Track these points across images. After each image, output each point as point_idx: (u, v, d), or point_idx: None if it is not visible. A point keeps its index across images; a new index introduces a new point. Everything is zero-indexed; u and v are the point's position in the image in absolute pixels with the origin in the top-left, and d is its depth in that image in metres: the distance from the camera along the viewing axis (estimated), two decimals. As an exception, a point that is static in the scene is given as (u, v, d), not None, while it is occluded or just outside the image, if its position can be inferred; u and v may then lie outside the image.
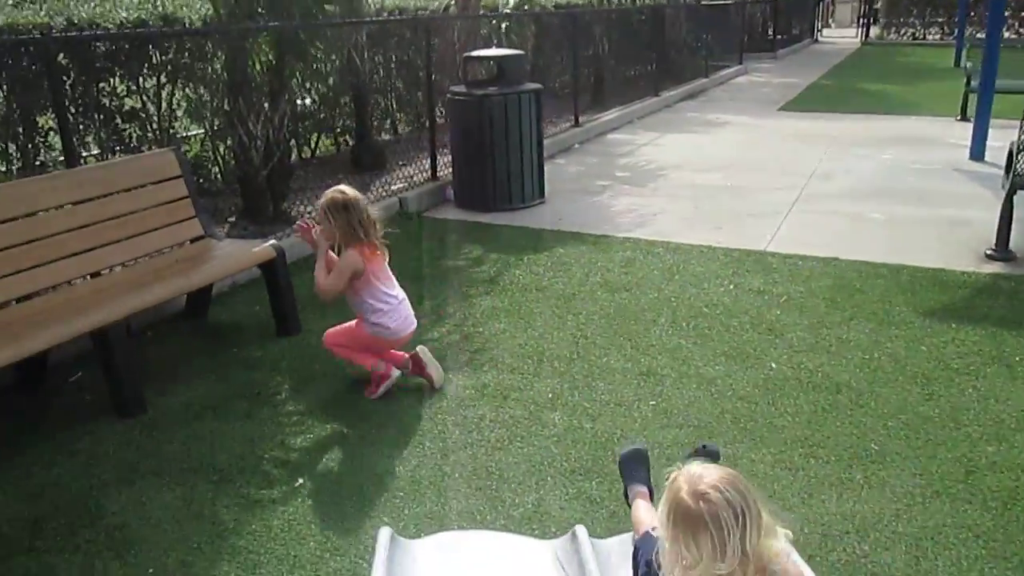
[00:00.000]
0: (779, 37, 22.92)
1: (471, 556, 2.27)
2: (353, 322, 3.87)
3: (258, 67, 6.58)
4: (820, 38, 29.43)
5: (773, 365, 3.99)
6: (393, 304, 3.82)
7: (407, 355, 3.88)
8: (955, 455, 3.22)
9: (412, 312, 3.92)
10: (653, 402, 3.67)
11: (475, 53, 7.28)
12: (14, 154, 5.80)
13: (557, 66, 12.38)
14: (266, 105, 6.37)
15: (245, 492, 3.09)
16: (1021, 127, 5.43)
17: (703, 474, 1.69)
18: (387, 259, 3.89)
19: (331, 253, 3.84)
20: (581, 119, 10.53)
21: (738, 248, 5.74)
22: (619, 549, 2.31)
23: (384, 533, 2.24)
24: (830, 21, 35.29)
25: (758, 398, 3.68)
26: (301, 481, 3.15)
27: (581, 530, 2.28)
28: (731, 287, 5.01)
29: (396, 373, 3.81)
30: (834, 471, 3.12)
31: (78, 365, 4.14)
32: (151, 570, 2.69)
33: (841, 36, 29.64)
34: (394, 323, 3.80)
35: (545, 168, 7.35)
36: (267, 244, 4.47)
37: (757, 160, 8.63)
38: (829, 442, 3.31)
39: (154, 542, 2.82)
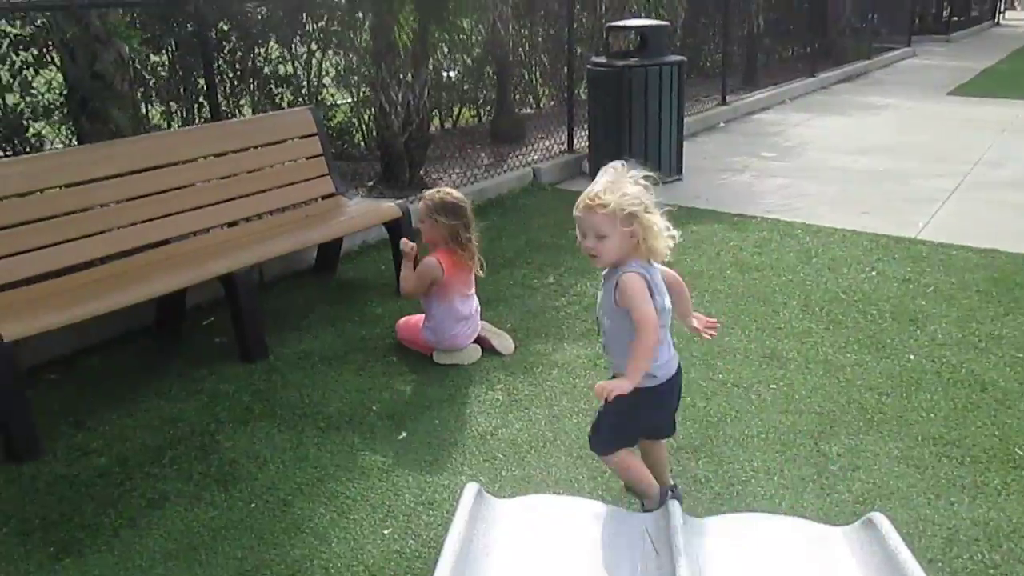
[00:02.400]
0: (954, 19, 21.37)
1: (556, 520, 2.20)
2: (421, 316, 3.84)
3: (403, 35, 6.69)
4: (1002, 21, 27.25)
5: (911, 357, 3.70)
6: (456, 321, 3.72)
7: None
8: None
9: (476, 326, 3.82)
10: (774, 386, 3.48)
11: (618, 23, 7.12)
12: (176, 112, 6.15)
13: (708, 43, 12.01)
14: (409, 73, 6.46)
15: (350, 441, 3.14)
16: None
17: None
18: (476, 269, 3.84)
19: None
20: (729, 98, 10.16)
21: (885, 234, 5.36)
22: (714, 530, 2.18)
23: (470, 488, 2.20)
24: (1015, 3, 32.62)
25: (890, 390, 3.42)
26: (404, 435, 3.17)
27: (675, 505, 2.16)
28: (873, 274, 4.68)
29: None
30: (968, 473, 2.85)
31: (214, 310, 4.34)
32: (253, 504, 2.77)
33: (1027, 20, 27.35)
34: (448, 342, 3.73)
35: (686, 145, 7.14)
36: (392, 204, 4.52)
37: (917, 145, 8.05)
38: (966, 442, 3.03)
39: (259, 479, 2.91)
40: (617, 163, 2.40)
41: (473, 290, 3.86)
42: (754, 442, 3.07)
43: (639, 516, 2.27)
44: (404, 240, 3.90)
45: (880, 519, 2.09)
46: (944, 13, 21.31)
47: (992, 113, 9.89)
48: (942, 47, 18.73)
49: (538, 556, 2.07)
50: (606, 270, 2.47)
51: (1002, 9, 28.28)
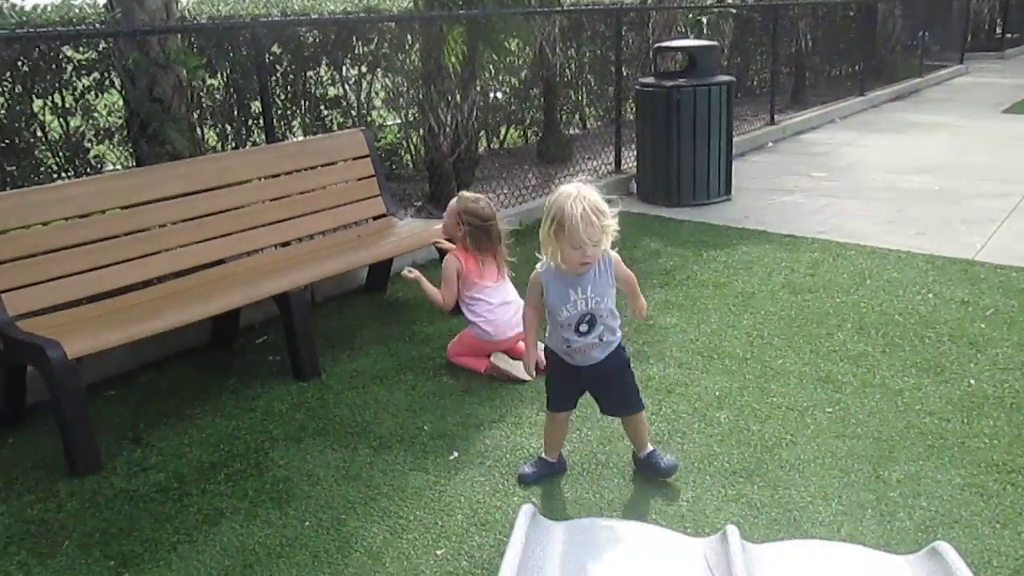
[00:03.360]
0: (1009, 36, 20.99)
1: (612, 544, 2.18)
2: (462, 336, 3.97)
3: (452, 58, 6.76)
4: (1059, 38, 26.63)
5: (972, 381, 3.61)
6: (492, 306, 3.88)
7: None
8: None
9: (518, 316, 3.79)
10: (830, 409, 3.41)
11: (666, 43, 7.11)
12: (231, 134, 6.28)
13: (756, 63, 11.95)
14: (457, 94, 6.53)
15: (402, 460, 3.15)
16: None
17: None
18: (504, 271, 4.04)
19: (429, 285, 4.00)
20: (777, 117, 10.08)
21: (942, 255, 5.26)
22: (774, 557, 2.14)
23: (526, 510, 2.20)
24: (1072, 20, 31.88)
25: (951, 415, 3.34)
26: (456, 455, 3.17)
27: (732, 530, 2.14)
28: (929, 296, 4.59)
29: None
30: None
31: (267, 328, 4.40)
32: (307, 523, 2.79)
33: (1085, 36, 26.68)
34: (491, 326, 3.85)
35: (735, 165, 7.09)
36: (440, 225, 4.55)
37: (972, 164, 7.90)
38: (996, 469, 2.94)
39: (313, 497, 2.93)
40: (576, 183, 2.66)
41: (506, 282, 4.02)
42: (810, 467, 3.01)
43: (697, 541, 2.24)
44: (407, 268, 4.07)
45: (945, 548, 2.04)
46: (997, 30, 20.93)
47: (1049, 131, 9.67)
48: (996, 64, 18.39)
49: (595, 580, 2.05)
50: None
51: (1058, 25, 27.64)
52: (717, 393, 3.58)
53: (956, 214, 6.25)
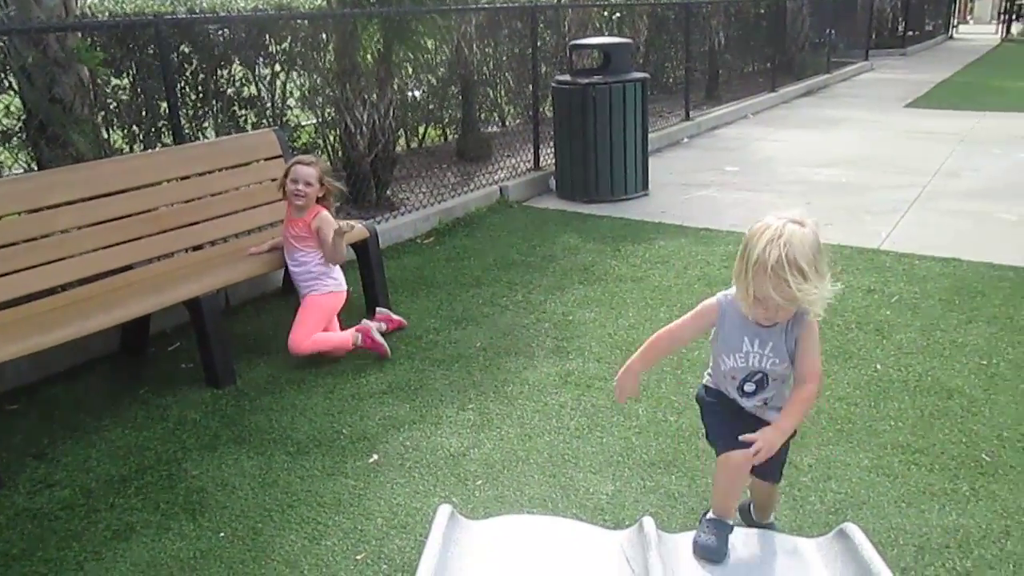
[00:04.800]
0: (910, 33, 21.84)
1: (531, 541, 2.18)
2: (305, 311, 3.97)
3: (367, 56, 6.68)
4: (955, 35, 27.90)
5: (878, 367, 3.74)
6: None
7: (374, 321, 4.12)
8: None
9: None
10: (744, 398, 3.49)
11: (581, 41, 7.18)
12: (139, 136, 6.07)
13: (670, 60, 12.15)
14: (374, 93, 6.46)
15: (320, 465, 3.10)
16: None
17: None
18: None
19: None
20: (692, 113, 10.28)
21: (849, 245, 5.43)
22: (689, 545, 2.18)
23: (443, 511, 2.18)
24: (967, 17, 33.42)
25: (859, 399, 3.45)
26: (376, 457, 3.14)
27: (648, 521, 2.16)
28: (838, 285, 4.68)
29: (372, 323, 4.01)
30: (937, 481, 2.88)
31: (179, 335, 4.28)
32: (222, 534, 2.72)
33: (979, 33, 28.03)
34: (339, 282, 4.11)
35: (652, 161, 7.20)
36: (360, 224, 4.50)
37: (877, 157, 8.19)
38: (934, 450, 3.06)
39: (228, 507, 2.86)
40: (793, 216, 2.04)
41: None
42: (726, 455, 3.07)
43: (614, 534, 2.26)
44: (346, 224, 4.08)
45: (853, 530, 2.10)
46: (900, 28, 21.75)
47: (949, 124, 10.09)
48: (899, 61, 19.12)
49: (514, 577, 2.05)
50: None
51: (955, 23, 28.93)
52: (635, 386, 3.62)
53: (862, 205, 6.47)
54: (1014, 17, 27.05)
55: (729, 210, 6.46)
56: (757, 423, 2.26)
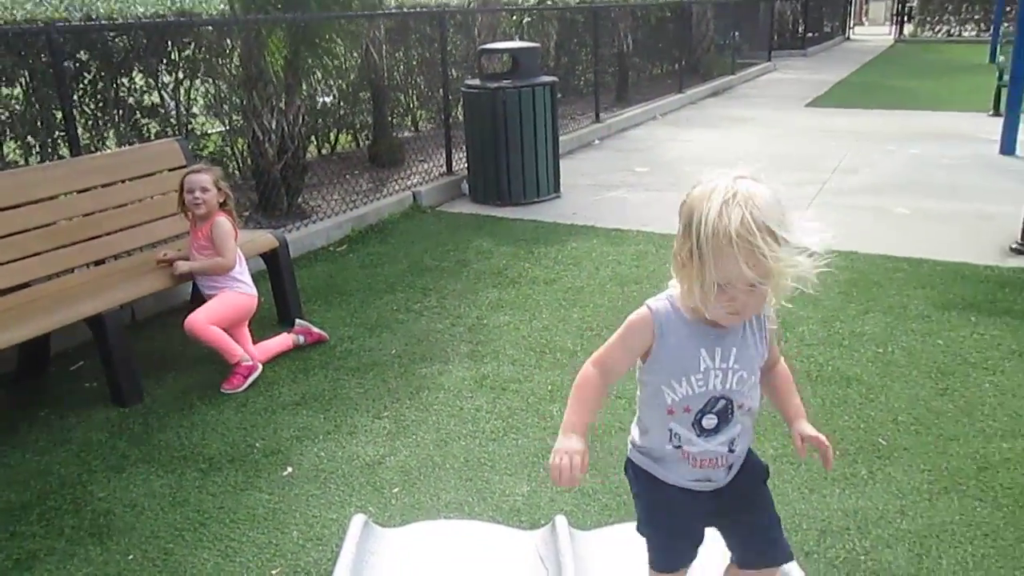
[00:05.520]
0: (810, 35, 22.65)
1: (446, 545, 2.20)
2: (215, 300, 3.92)
3: (274, 62, 6.59)
4: (852, 36, 29.03)
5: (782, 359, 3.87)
6: (244, 265, 4.04)
7: (293, 335, 4.12)
8: (968, 451, 3.09)
9: None
10: (655, 395, 3.57)
11: (490, 46, 7.23)
12: (35, 148, 5.85)
13: (580, 63, 12.30)
14: (282, 100, 6.37)
15: (233, 481, 3.05)
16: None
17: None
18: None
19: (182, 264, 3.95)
20: (603, 116, 10.44)
21: (754, 242, 5.60)
22: (599, 541, 2.23)
23: (357, 520, 2.18)
24: (863, 19, 34.80)
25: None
26: (290, 470, 3.10)
27: (561, 520, 2.20)
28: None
29: (260, 369, 3.85)
30: (838, 466, 3.00)
31: (82, 353, 4.14)
32: (131, 556, 2.65)
33: (874, 34, 29.21)
34: (249, 286, 4.02)
35: (563, 164, 7.29)
36: (269, 234, 4.44)
37: (780, 155, 8.47)
38: (835, 436, 3.19)
39: (138, 529, 2.78)
40: (737, 175, 1.62)
41: None
42: (638, 451, 3.14)
43: (529, 534, 2.29)
44: (170, 259, 4.00)
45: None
46: (800, 29, 22.51)
47: (846, 123, 10.51)
48: (799, 61, 19.78)
49: (428, 584, 2.06)
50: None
51: (852, 25, 30.08)
52: (550, 387, 3.67)
53: (766, 202, 6.67)
54: (906, 19, 28.30)
55: (639, 210, 6.59)
56: (717, 515, 1.81)
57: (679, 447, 1.75)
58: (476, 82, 6.85)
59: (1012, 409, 3.36)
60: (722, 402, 1.71)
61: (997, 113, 9.99)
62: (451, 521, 2.57)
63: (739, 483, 1.82)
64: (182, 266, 3.91)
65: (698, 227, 1.54)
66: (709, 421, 1.72)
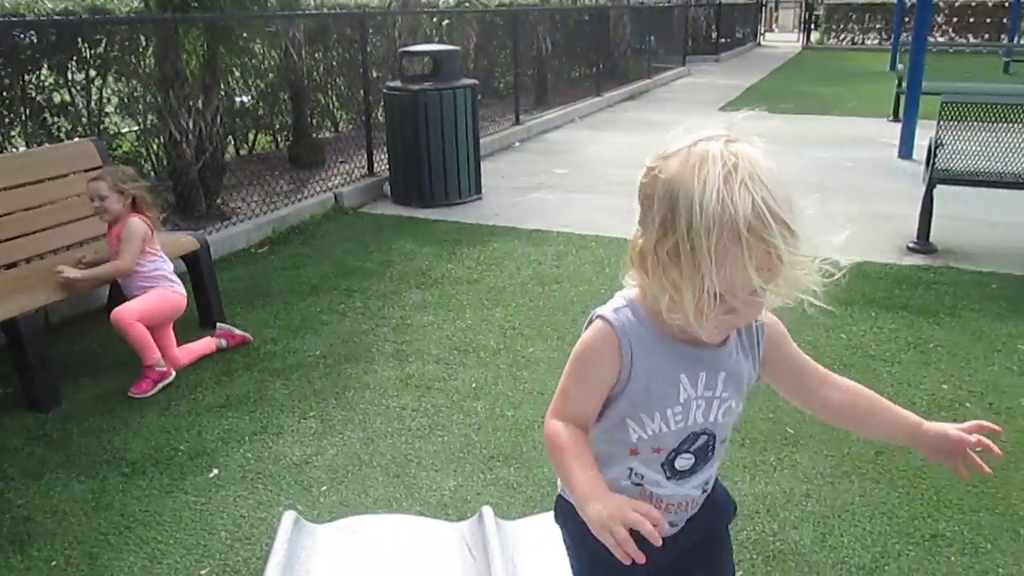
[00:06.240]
0: (722, 40, 23.29)
1: (375, 539, 2.26)
2: (146, 294, 3.87)
3: (191, 61, 6.49)
4: (763, 42, 29.94)
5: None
6: (170, 265, 3.99)
7: (215, 339, 4.09)
8: (867, 437, 3.29)
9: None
10: (576, 390, 3.69)
11: (411, 48, 7.27)
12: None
13: (500, 66, 12.42)
14: (199, 99, 6.28)
15: (158, 484, 3.03)
16: (937, 126, 5.58)
17: None
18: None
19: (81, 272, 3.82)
20: (522, 118, 10.57)
21: (670, 242, 5.79)
22: (526, 531, 2.31)
23: (288, 516, 2.22)
24: (773, 26, 35.93)
25: (680, 385, 3.72)
26: (216, 472, 3.10)
27: (487, 511, 2.28)
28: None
29: (172, 375, 3.80)
30: (748, 454, 3.17)
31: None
32: (54, 563, 2.62)
33: (783, 41, 30.19)
34: (178, 285, 3.96)
35: (484, 165, 7.38)
36: (190, 236, 4.40)
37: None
38: (745, 427, 3.36)
39: (60, 535, 2.75)
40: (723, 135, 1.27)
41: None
42: (561, 445, 3.25)
43: (456, 526, 2.37)
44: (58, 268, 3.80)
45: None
46: (713, 35, 23.14)
47: (756, 127, 10.76)
48: (712, 66, 20.34)
49: (363, 575, 2.12)
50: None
51: (762, 31, 31.04)
52: (473, 385, 3.75)
53: (681, 204, 6.89)
54: (812, 27, 29.35)
55: (559, 211, 6.73)
56: (672, 569, 1.45)
57: (639, 484, 1.40)
58: (397, 84, 6.89)
59: (908, 397, 3.59)
60: (703, 438, 1.37)
61: (896, 119, 10.49)
62: (380, 515, 2.62)
63: (699, 523, 1.48)
64: (69, 273, 3.73)
65: (690, 215, 1.15)
66: (684, 462, 1.38)
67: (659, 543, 1.15)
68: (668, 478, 1.41)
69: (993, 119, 5.55)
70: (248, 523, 2.80)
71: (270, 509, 2.87)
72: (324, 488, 2.99)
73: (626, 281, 1.37)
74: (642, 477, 1.40)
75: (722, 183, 1.15)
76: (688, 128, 1.30)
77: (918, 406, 3.51)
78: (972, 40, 23.39)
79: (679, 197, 1.19)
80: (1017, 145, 5.43)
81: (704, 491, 1.48)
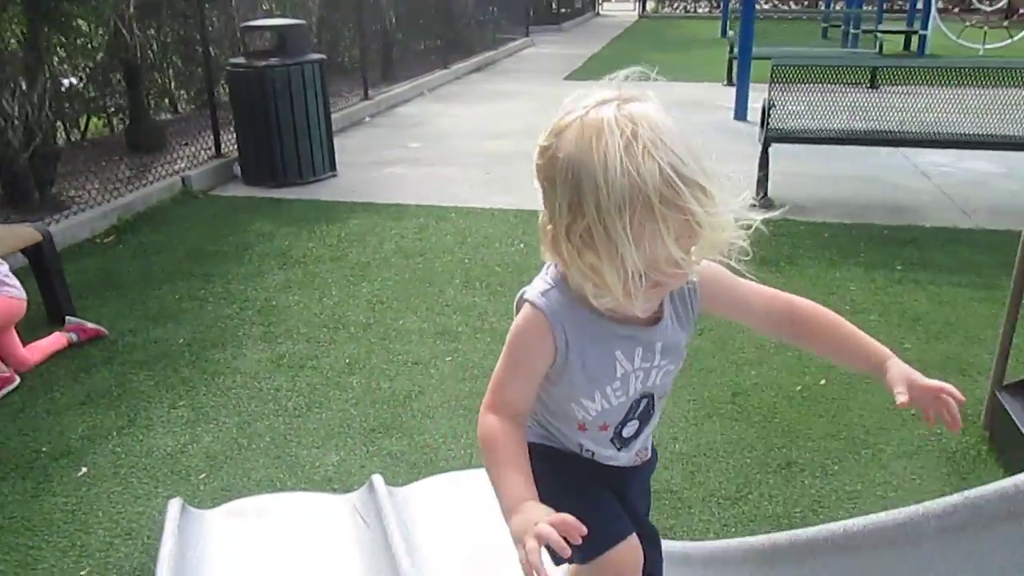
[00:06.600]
0: (563, 10, 23.69)
1: (266, 519, 2.26)
2: None
3: (11, 40, 6.05)
4: (601, 11, 30.65)
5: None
6: (5, 266, 3.71)
7: (66, 334, 3.87)
8: (724, 380, 3.53)
9: None
10: (449, 358, 3.77)
11: (253, 23, 7.05)
12: None
13: (344, 40, 12.19)
14: (23, 83, 5.87)
15: (21, 489, 2.89)
16: (769, 88, 5.95)
17: None
18: None
19: None
20: (371, 93, 10.44)
21: (528, 209, 5.93)
22: (417, 495, 2.37)
23: (174, 504, 2.19)
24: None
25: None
26: (85, 470, 2.99)
27: (378, 479, 2.33)
28: (522, 246, 5.20)
29: (17, 381, 3.57)
30: (618, 405, 3.34)
31: None
32: (-87, 580, 2.48)
33: (620, 10, 30.97)
34: (17, 288, 3.68)
35: (336, 142, 7.27)
36: (30, 227, 4.15)
37: (543, 127, 8.87)
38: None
39: (-84, 550, 2.59)
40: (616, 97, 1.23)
41: None
42: (439, 412, 3.32)
43: (346, 497, 2.40)
44: None
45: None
46: (554, 5, 23.50)
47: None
48: (555, 36, 20.68)
49: (258, 555, 2.12)
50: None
51: (601, 1, 31.74)
52: (347, 360, 3.76)
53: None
54: (647, -5, 30.28)
55: (417, 185, 6.74)
56: (619, 483, 1.49)
57: (591, 457, 1.45)
58: (241, 60, 6.67)
59: (757, 342, 3.86)
60: (644, 401, 1.39)
61: (731, 83, 11.05)
62: (270, 495, 2.62)
63: (641, 475, 1.57)
64: None
65: (596, 195, 1.09)
66: (630, 429, 1.42)
67: (567, 554, 1.13)
68: (619, 449, 1.45)
69: (819, 81, 5.99)
70: (126, 518, 2.72)
71: (148, 502, 2.80)
72: (203, 476, 2.94)
73: (547, 257, 1.31)
74: (593, 453, 1.45)
75: (623, 154, 1.09)
76: (576, 97, 1.22)
77: (766, 348, 3.80)
78: (794, 7, 24.81)
79: (581, 177, 1.12)
80: (840, 104, 5.89)
81: (648, 450, 1.55)
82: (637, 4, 29.76)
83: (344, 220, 5.80)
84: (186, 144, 7.52)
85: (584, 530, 1.11)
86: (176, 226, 5.79)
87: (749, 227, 1.22)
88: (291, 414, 3.33)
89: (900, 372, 1.34)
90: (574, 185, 1.13)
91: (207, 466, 3.00)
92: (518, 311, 1.35)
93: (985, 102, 5.91)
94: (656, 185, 1.07)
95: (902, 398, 1.29)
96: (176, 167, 6.92)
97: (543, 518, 1.13)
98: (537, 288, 1.32)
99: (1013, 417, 2.83)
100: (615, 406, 1.37)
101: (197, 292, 4.56)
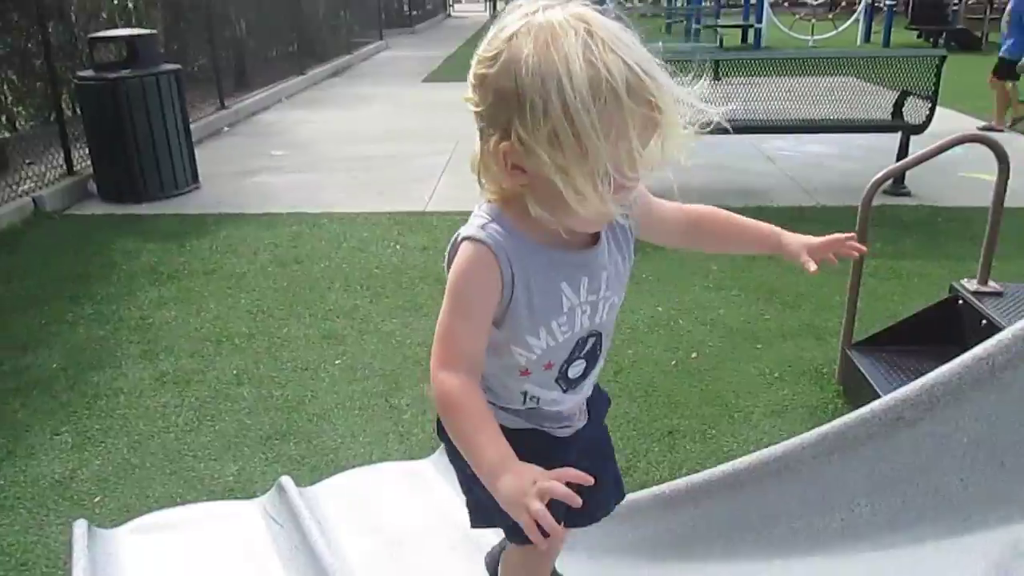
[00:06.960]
0: (415, 13, 23.73)
1: (177, 531, 2.26)
2: None
3: None
4: (453, 13, 30.87)
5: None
6: None
7: None
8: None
9: None
10: (338, 361, 3.81)
11: (102, 34, 6.79)
12: None
13: (194, 49, 11.83)
14: None
15: None
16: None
17: None
18: None
19: None
20: (228, 101, 10.20)
21: (400, 211, 6.01)
22: (327, 492, 2.43)
23: (80, 526, 2.16)
24: (460, -4, 37.07)
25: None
26: (-34, 505, 2.87)
27: (287, 480, 2.36)
28: (397, 247, 5.26)
29: None
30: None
31: None
32: None
33: (471, 11, 31.34)
34: None
35: (197, 153, 7.09)
36: None
37: (407, 129, 8.98)
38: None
39: None
40: None
41: None
42: (334, 413, 3.37)
43: (255, 501, 2.43)
44: None
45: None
46: (406, 7, 23.50)
47: (460, 95, 11.32)
48: (409, 38, 20.72)
49: (175, 569, 2.13)
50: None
51: (451, 3, 31.97)
52: (234, 372, 3.74)
53: (405, 174, 7.13)
54: (496, -4, 30.69)
55: (285, 192, 6.68)
56: (575, 451, 1.43)
57: (535, 408, 1.38)
58: (90, 73, 6.42)
59: (630, 323, 4.09)
60: (591, 340, 1.33)
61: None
62: (178, 507, 2.60)
63: (591, 424, 1.50)
64: None
65: (562, 94, 1.05)
66: (576, 369, 1.35)
67: (578, 504, 1.05)
68: (565, 391, 1.37)
69: (678, 73, 6.32)
70: (19, 549, 2.64)
71: (41, 531, 2.73)
72: (98, 499, 2.88)
73: (483, 196, 1.26)
74: (537, 400, 1.36)
75: (585, 49, 1.06)
76: (510, 8, 1.15)
77: (640, 328, 4.03)
78: (639, 3, 25.72)
79: (544, 75, 1.06)
80: (698, 95, 6.24)
81: (596, 390, 1.48)
82: (488, 4, 30.13)
83: (214, 232, 5.70)
84: (31, 163, 7.15)
85: (591, 480, 1.07)
86: (33, 249, 5.53)
87: (708, 124, 1.20)
88: (182, 429, 3.29)
89: (796, 243, 1.42)
90: (535, 86, 1.07)
91: (100, 489, 2.94)
92: (451, 257, 1.26)
93: (818, 89, 6.41)
94: (623, 76, 1.06)
95: (811, 267, 1.38)
96: (23, 188, 6.57)
97: (540, 475, 1.07)
98: (475, 223, 1.25)
99: (862, 371, 3.15)
100: (560, 343, 1.29)
101: (65, 315, 4.39)
